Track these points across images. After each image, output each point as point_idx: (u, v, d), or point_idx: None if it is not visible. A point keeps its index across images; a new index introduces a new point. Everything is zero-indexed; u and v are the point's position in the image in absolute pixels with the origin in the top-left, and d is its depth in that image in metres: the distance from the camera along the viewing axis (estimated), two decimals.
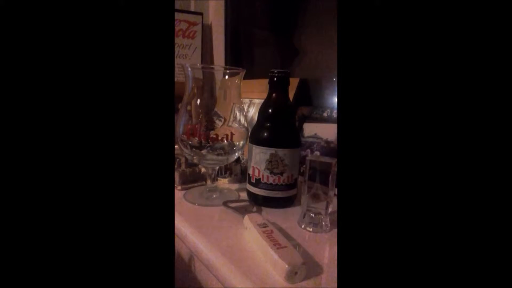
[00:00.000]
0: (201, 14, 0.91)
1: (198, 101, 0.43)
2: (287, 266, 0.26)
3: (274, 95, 0.44)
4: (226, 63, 0.94)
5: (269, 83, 0.44)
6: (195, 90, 0.43)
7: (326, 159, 0.37)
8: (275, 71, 0.43)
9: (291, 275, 0.27)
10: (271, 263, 0.28)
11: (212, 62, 0.96)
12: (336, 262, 0.31)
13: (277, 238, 0.31)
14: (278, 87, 0.43)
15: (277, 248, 0.29)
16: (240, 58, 0.93)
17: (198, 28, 0.90)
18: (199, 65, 0.43)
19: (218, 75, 0.46)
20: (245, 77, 0.46)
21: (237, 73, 0.44)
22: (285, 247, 0.29)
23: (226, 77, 0.45)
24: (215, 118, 0.45)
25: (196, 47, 0.91)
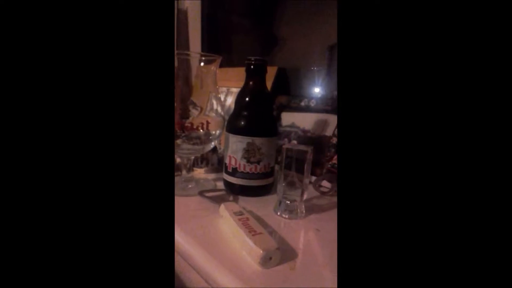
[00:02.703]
0: None
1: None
2: (261, 251, 0.27)
3: (251, 83, 0.43)
4: (203, 51, 0.91)
5: (246, 70, 0.43)
6: None
7: (302, 147, 0.38)
8: (252, 59, 0.42)
9: (266, 260, 0.27)
10: (247, 250, 0.29)
11: (188, 50, 0.93)
12: (309, 246, 0.32)
13: (253, 225, 0.31)
14: (255, 75, 0.43)
15: (253, 235, 0.29)
16: (218, 46, 0.91)
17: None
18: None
19: (194, 62, 0.45)
20: (223, 65, 0.45)
21: (213, 60, 0.43)
22: (260, 233, 0.30)
23: (202, 64, 0.43)
24: (191, 107, 0.44)
25: None
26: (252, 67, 0.43)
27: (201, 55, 0.44)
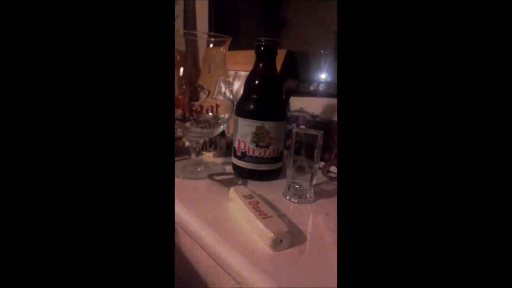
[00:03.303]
0: None
1: (181, 70, 0.41)
2: (272, 234, 0.27)
3: (261, 65, 0.42)
4: None
5: (256, 52, 0.42)
6: (178, 58, 0.41)
7: (312, 132, 0.37)
8: (262, 40, 0.41)
9: (276, 243, 0.27)
10: (257, 232, 0.29)
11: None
12: (319, 230, 0.32)
13: (263, 209, 0.31)
14: (265, 56, 0.42)
15: (263, 218, 0.29)
16: (225, 28, 0.89)
17: None
18: (181, 31, 0.41)
19: (202, 43, 0.44)
20: (230, 48, 0.44)
21: (223, 42, 0.42)
22: (271, 216, 0.30)
23: (211, 45, 0.42)
24: (199, 89, 0.43)
25: (177, 15, 0.86)
26: (262, 48, 0.41)
27: (210, 36, 0.43)
